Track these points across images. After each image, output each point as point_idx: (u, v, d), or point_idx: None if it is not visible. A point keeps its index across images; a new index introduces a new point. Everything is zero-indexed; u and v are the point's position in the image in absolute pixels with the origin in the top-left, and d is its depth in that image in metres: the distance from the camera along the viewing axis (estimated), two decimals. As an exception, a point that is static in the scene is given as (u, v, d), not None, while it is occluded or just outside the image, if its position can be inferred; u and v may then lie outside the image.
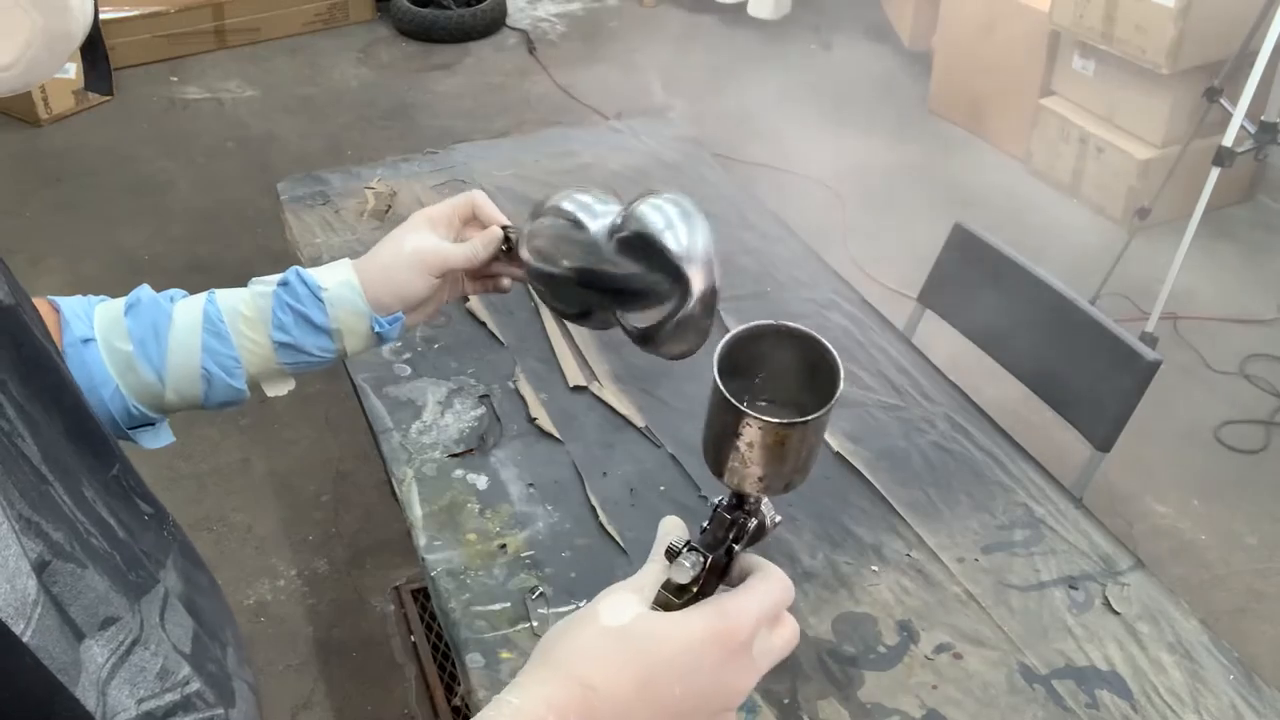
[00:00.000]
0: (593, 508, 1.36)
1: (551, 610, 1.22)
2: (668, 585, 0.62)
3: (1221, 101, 2.78)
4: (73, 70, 3.73)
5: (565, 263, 0.88)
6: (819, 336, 0.63)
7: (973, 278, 1.89)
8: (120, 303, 0.90)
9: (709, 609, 0.61)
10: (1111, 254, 3.06)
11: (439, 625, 2.04)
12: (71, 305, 0.88)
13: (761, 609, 0.61)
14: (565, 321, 1.67)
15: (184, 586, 0.62)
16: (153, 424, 0.91)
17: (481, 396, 1.54)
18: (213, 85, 4.43)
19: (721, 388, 0.60)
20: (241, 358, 0.89)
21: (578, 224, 0.87)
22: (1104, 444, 1.66)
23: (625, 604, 0.61)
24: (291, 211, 1.97)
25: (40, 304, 0.85)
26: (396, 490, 1.40)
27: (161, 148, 3.96)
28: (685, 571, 0.61)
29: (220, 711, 0.56)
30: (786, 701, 1.13)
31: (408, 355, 1.61)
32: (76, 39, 0.59)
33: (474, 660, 1.16)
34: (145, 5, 4.43)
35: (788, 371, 0.64)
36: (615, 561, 1.29)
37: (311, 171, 2.13)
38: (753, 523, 0.65)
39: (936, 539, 1.33)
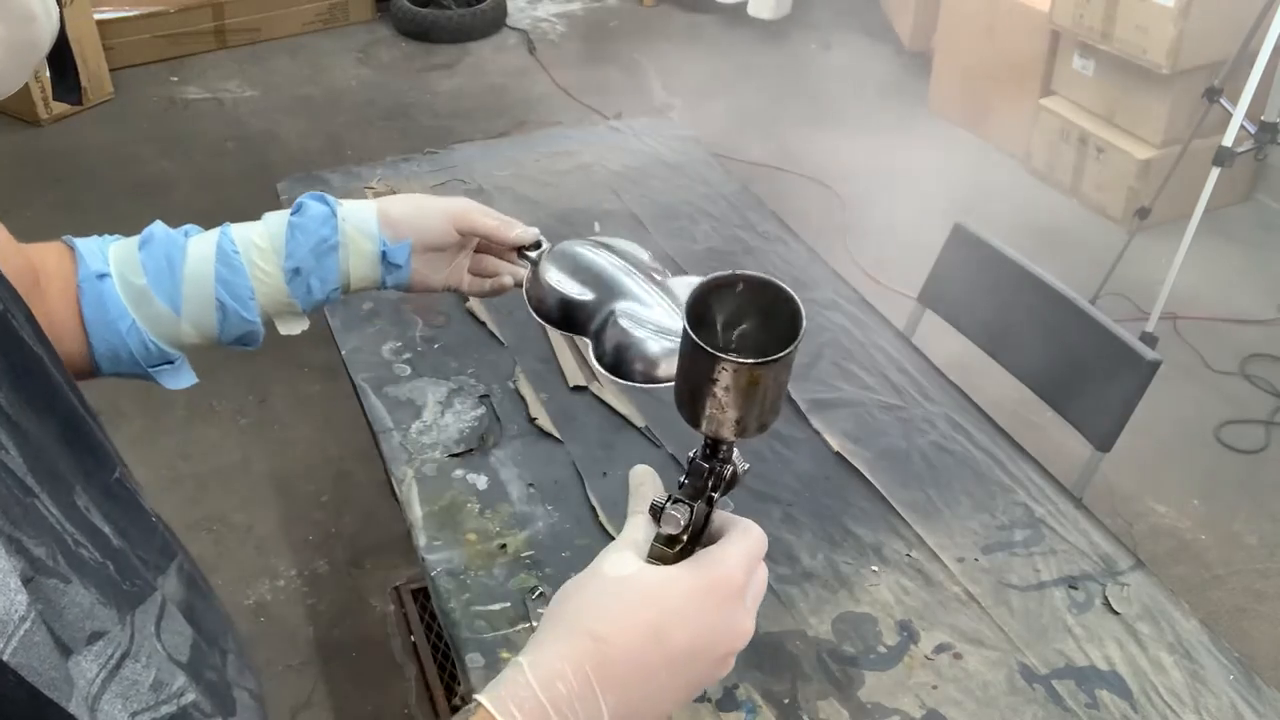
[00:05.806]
0: (593, 508, 1.36)
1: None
2: (659, 537, 0.65)
3: (1221, 101, 2.78)
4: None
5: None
6: (775, 279, 0.66)
7: (973, 278, 1.89)
8: (134, 239, 0.90)
9: (707, 559, 0.63)
10: (1111, 254, 3.06)
11: (439, 625, 2.04)
12: (86, 244, 0.88)
13: (750, 557, 0.64)
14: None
15: (185, 593, 0.62)
16: (171, 362, 0.90)
17: (481, 396, 1.54)
18: (213, 85, 4.43)
19: (694, 336, 0.62)
20: (254, 288, 0.89)
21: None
22: (1104, 444, 1.66)
23: (626, 559, 0.63)
24: (291, 211, 1.97)
25: (53, 246, 0.87)
26: (396, 490, 1.39)
27: (161, 148, 3.96)
28: (676, 522, 0.65)
29: None
30: (786, 701, 1.13)
31: (408, 355, 1.62)
32: (42, 49, 0.58)
33: (474, 660, 1.16)
34: (145, 5, 4.44)
35: (747, 318, 0.67)
36: (615, 561, 1.29)
37: (311, 171, 2.13)
38: (729, 470, 0.68)
39: (936, 539, 1.33)
